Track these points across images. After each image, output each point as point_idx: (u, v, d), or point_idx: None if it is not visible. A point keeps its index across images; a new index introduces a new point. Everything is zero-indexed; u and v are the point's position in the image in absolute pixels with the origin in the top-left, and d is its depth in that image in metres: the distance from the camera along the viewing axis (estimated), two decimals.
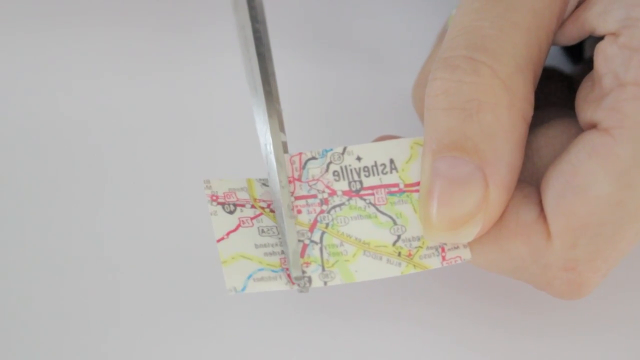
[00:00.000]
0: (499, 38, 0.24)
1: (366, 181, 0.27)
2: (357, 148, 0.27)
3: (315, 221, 0.27)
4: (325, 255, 0.27)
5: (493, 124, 0.24)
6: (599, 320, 0.30)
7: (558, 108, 0.29)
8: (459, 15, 0.25)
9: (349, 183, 0.28)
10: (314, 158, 0.28)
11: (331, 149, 0.28)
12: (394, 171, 0.27)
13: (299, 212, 0.27)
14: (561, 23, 0.26)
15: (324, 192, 0.28)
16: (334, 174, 0.28)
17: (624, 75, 0.23)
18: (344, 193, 0.27)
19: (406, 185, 0.27)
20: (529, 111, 0.25)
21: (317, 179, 0.28)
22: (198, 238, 0.32)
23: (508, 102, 0.24)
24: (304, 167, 0.28)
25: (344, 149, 0.28)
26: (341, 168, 0.28)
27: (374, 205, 0.27)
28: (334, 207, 0.27)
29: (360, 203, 0.27)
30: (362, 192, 0.27)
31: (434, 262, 0.27)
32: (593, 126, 0.24)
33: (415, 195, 0.27)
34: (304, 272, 0.26)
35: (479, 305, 0.30)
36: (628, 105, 0.23)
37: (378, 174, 0.27)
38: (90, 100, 0.37)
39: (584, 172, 0.23)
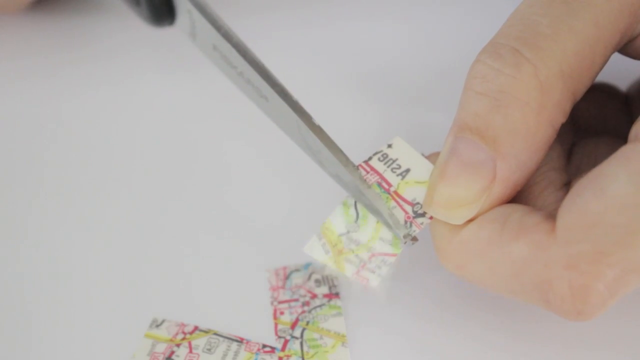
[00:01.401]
0: (551, 39, 0.24)
1: (374, 162, 0.27)
2: (398, 140, 0.28)
3: (297, 320, 0.29)
4: (305, 348, 0.28)
5: (517, 122, 0.24)
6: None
7: (611, 138, 0.29)
8: (524, 4, 0.25)
9: (329, 287, 0.30)
10: (297, 270, 0.30)
11: (313, 263, 0.30)
12: (399, 176, 0.27)
13: (282, 313, 0.29)
14: (630, 39, 0.26)
15: (305, 296, 0.29)
16: (315, 282, 0.30)
17: None
18: (324, 296, 0.29)
19: (395, 192, 0.27)
20: (560, 119, 0.24)
21: (300, 286, 0.30)
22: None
23: (539, 104, 0.24)
24: (287, 278, 0.30)
25: (325, 265, 0.30)
26: (322, 277, 0.30)
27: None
28: (314, 307, 0.29)
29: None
30: (362, 165, 0.27)
31: (349, 270, 0.27)
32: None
33: (392, 204, 0.27)
34: None
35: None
36: None
37: (389, 167, 0.27)
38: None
39: (606, 173, 0.22)
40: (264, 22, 0.40)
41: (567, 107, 0.24)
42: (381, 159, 0.27)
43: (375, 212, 0.26)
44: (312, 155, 0.28)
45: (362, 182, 0.26)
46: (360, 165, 0.27)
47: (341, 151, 0.27)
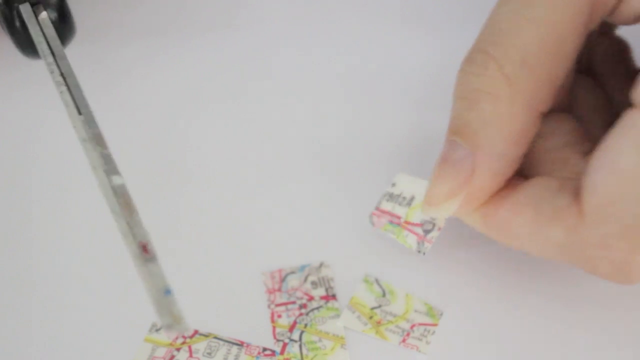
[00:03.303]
0: (510, 33, 0.25)
1: (384, 205, 0.29)
2: (400, 177, 0.29)
3: (295, 322, 0.29)
4: (304, 351, 0.28)
5: (490, 115, 0.25)
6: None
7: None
8: (493, 8, 0.26)
9: (326, 289, 0.30)
10: (292, 272, 0.30)
11: (308, 264, 0.30)
12: (406, 206, 0.29)
13: (279, 316, 0.29)
14: (612, 8, 0.26)
15: (302, 298, 0.29)
16: (311, 284, 0.30)
17: None
18: (322, 298, 0.29)
19: (405, 222, 0.28)
20: (538, 106, 0.25)
21: (296, 289, 0.30)
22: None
23: (509, 95, 0.25)
24: (283, 280, 0.30)
25: (321, 263, 0.30)
26: (318, 279, 0.30)
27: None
28: (312, 310, 0.29)
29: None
30: (375, 212, 0.29)
31: (394, 339, 0.28)
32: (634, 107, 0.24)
33: (405, 233, 0.28)
34: None
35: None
36: None
37: (397, 202, 0.29)
38: None
39: (614, 146, 0.23)
40: (264, 23, 0.40)
41: (544, 94, 0.25)
42: (388, 199, 0.29)
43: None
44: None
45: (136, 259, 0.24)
46: (373, 213, 0.29)
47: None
